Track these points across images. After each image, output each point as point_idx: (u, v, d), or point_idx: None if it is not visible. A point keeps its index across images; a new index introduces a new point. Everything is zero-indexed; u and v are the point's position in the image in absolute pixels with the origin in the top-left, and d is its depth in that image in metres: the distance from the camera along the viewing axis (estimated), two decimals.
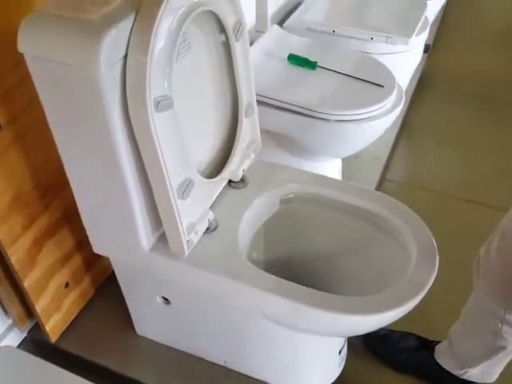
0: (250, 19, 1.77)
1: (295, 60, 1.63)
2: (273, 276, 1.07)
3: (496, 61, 2.84)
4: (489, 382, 1.33)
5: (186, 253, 1.06)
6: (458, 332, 1.31)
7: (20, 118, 1.16)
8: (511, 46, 2.99)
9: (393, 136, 2.24)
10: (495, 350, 1.22)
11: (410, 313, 1.06)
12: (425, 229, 1.16)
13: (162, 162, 0.93)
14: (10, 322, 1.42)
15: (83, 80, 0.85)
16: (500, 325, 1.15)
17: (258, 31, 1.85)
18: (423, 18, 1.94)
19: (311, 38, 1.80)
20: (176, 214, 1.00)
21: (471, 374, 1.32)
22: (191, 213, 1.07)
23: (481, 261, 1.16)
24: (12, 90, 1.12)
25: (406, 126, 2.35)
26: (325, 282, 1.26)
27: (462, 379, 1.34)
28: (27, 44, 0.87)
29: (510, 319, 1.13)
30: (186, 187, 1.01)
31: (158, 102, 0.89)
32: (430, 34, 2.11)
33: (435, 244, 1.13)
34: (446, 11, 3.14)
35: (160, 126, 0.90)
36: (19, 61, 0.90)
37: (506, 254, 1.07)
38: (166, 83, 0.91)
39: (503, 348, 1.20)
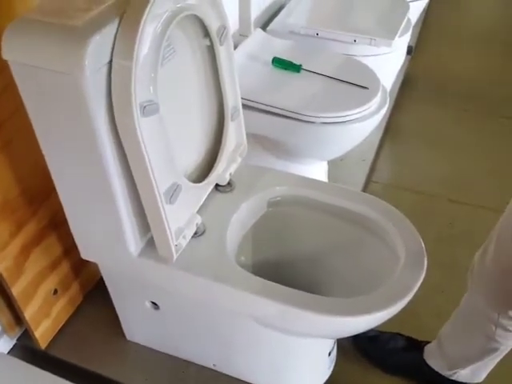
0: (233, 23, 1.77)
1: (279, 63, 1.63)
2: (261, 279, 1.08)
3: (478, 61, 2.87)
4: (477, 382, 1.34)
5: (175, 257, 1.06)
6: (449, 333, 1.32)
7: (6, 125, 1.16)
8: (493, 45, 3.02)
9: (378, 138, 2.25)
10: (487, 351, 1.23)
11: (398, 313, 1.07)
12: (412, 230, 1.17)
13: (148, 166, 0.93)
14: None
15: (68, 86, 0.85)
16: (494, 328, 1.15)
17: (242, 35, 1.85)
18: (406, 19, 1.96)
19: (295, 42, 1.80)
20: (164, 218, 1.00)
21: (460, 374, 1.33)
22: (179, 217, 1.07)
23: (476, 265, 1.16)
24: None
25: (391, 128, 2.37)
26: (313, 285, 1.27)
27: (451, 380, 1.35)
28: (11, 51, 0.87)
29: (504, 323, 1.13)
30: (173, 192, 1.02)
31: (144, 107, 0.89)
32: (412, 35, 2.12)
33: (423, 245, 1.14)
34: (427, 13, 3.17)
35: (146, 130, 0.90)
36: (3, 67, 0.90)
37: (502, 260, 1.07)
38: (151, 88, 0.91)
39: (495, 350, 1.21)
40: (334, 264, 1.32)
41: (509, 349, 1.22)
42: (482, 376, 1.33)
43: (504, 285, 1.09)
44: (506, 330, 1.14)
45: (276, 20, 1.99)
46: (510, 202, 1.05)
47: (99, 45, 0.83)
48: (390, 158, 2.26)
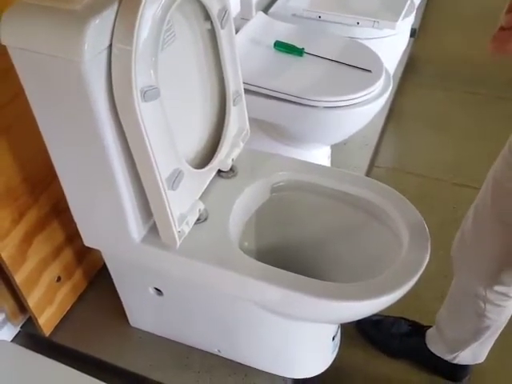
0: (234, 6, 1.75)
1: (282, 47, 1.62)
2: (265, 264, 1.07)
3: (483, 43, 2.82)
4: (478, 362, 1.35)
5: (178, 243, 1.06)
6: (444, 317, 1.33)
7: (5, 112, 1.15)
8: (497, 27, 2.98)
9: (381, 122, 2.24)
10: (481, 330, 1.23)
11: (402, 298, 1.06)
12: (416, 214, 1.16)
13: (150, 152, 0.92)
14: (2, 316, 1.41)
15: (68, 71, 0.84)
16: (483, 305, 1.16)
17: (243, 18, 1.83)
18: (409, 1, 1.93)
19: (297, 25, 1.78)
20: (166, 204, 1.00)
21: (461, 357, 1.33)
22: (182, 203, 1.06)
23: (457, 244, 1.18)
24: None
25: (394, 112, 2.35)
26: (317, 270, 1.27)
27: (454, 363, 1.36)
28: (10, 36, 0.85)
29: (491, 298, 1.14)
30: (175, 178, 1.01)
31: (145, 92, 0.88)
32: (415, 18, 2.10)
33: (427, 228, 1.13)
34: None
35: (147, 115, 0.89)
36: (2, 53, 0.89)
37: (480, 234, 1.09)
38: (151, 72, 0.90)
39: (488, 327, 1.22)
40: (337, 249, 1.31)
41: (503, 326, 1.23)
42: (483, 356, 1.34)
43: (485, 260, 1.10)
44: (495, 304, 1.15)
45: (278, 3, 1.98)
46: (488, 173, 1.05)
47: (98, 29, 0.82)
48: (394, 142, 2.25)
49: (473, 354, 1.33)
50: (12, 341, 1.45)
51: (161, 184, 0.97)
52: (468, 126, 2.30)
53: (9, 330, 1.45)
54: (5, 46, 0.87)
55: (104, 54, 0.85)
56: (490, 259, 1.09)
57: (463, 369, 1.37)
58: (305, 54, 1.60)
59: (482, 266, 1.12)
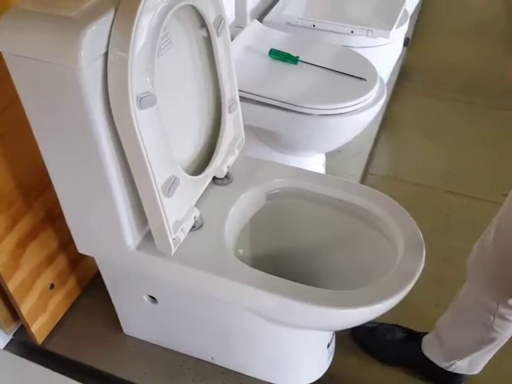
0: (229, 14, 1.75)
1: (277, 55, 1.62)
2: (260, 272, 1.07)
3: (475, 52, 2.87)
4: (474, 373, 1.34)
5: (173, 251, 1.06)
6: (447, 324, 1.32)
7: (1, 118, 1.15)
8: (490, 36, 3.01)
9: (375, 130, 2.24)
10: (484, 342, 1.22)
11: (397, 305, 1.06)
12: (410, 221, 1.17)
13: (146, 159, 0.92)
14: None
15: (64, 78, 0.84)
16: (492, 318, 1.15)
17: (238, 26, 1.84)
18: (403, 10, 1.95)
19: (292, 33, 1.79)
20: (162, 211, 1.00)
21: (458, 366, 1.33)
22: (177, 210, 1.06)
23: (475, 254, 1.16)
24: None
25: (388, 120, 2.36)
26: (312, 277, 1.27)
27: (449, 371, 1.35)
28: (5, 42, 0.85)
29: (502, 312, 1.13)
30: (171, 185, 1.01)
31: (141, 99, 0.88)
32: (408, 27, 2.12)
33: (421, 235, 1.13)
34: (424, 4, 3.16)
35: (143, 122, 0.89)
36: None
37: (502, 248, 1.07)
38: (148, 79, 0.90)
39: (492, 340, 1.21)
40: (332, 256, 1.31)
41: (505, 340, 1.22)
42: (479, 367, 1.33)
43: (503, 273, 1.09)
44: (505, 319, 1.14)
45: (272, 11, 1.98)
46: (511, 191, 1.04)
47: (95, 36, 0.82)
48: (387, 149, 2.26)
49: (469, 365, 1.32)
50: (4, 349, 1.44)
51: (156, 191, 0.97)
52: (461, 134, 2.32)
53: (1, 337, 1.44)
54: (0, 53, 0.87)
55: (100, 61, 0.85)
56: (509, 273, 1.08)
57: (458, 377, 1.37)
58: (299, 62, 1.60)
59: (500, 280, 1.11)
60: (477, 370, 1.33)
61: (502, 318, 1.14)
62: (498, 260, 1.09)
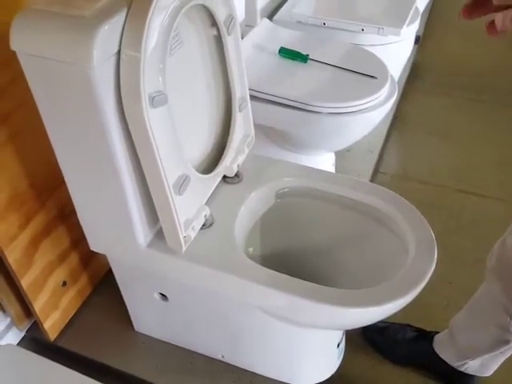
0: (239, 13, 1.75)
1: (286, 53, 1.62)
2: (270, 270, 1.07)
3: (487, 50, 2.85)
4: (485, 375, 1.34)
5: (184, 249, 1.06)
6: (462, 323, 1.31)
7: (13, 117, 1.16)
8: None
9: (385, 128, 2.24)
10: (499, 343, 1.22)
11: (407, 304, 1.06)
12: (422, 220, 1.16)
13: (158, 158, 0.93)
14: (8, 320, 1.42)
15: (77, 77, 0.85)
16: (509, 319, 1.14)
17: (248, 25, 1.84)
18: (414, 8, 1.94)
19: (302, 32, 1.79)
20: (173, 209, 1.00)
21: (470, 366, 1.32)
22: (188, 209, 1.07)
23: (495, 254, 1.14)
24: (4, 89, 1.12)
25: (398, 118, 2.36)
26: (322, 276, 1.27)
27: (460, 371, 1.35)
28: (20, 42, 0.86)
29: None
30: (182, 183, 1.01)
31: (153, 98, 0.88)
32: (419, 24, 2.11)
33: (433, 235, 1.13)
34: (434, 1, 3.14)
35: (155, 121, 0.90)
36: (11, 59, 0.89)
37: None
38: (160, 78, 0.90)
39: (507, 342, 1.20)
40: (342, 255, 1.31)
41: None
42: (491, 370, 1.32)
43: None
44: None
45: (282, 10, 1.98)
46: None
47: (107, 35, 0.83)
48: (398, 148, 2.25)
49: (482, 366, 1.31)
50: (17, 345, 1.45)
51: (168, 189, 0.97)
52: (472, 132, 2.31)
53: (14, 334, 1.45)
54: (13, 53, 0.88)
55: (112, 60, 0.86)
56: None
57: (469, 378, 1.36)
58: (309, 61, 1.60)
59: None
60: (488, 373, 1.33)
61: None
62: None
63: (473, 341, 1.28)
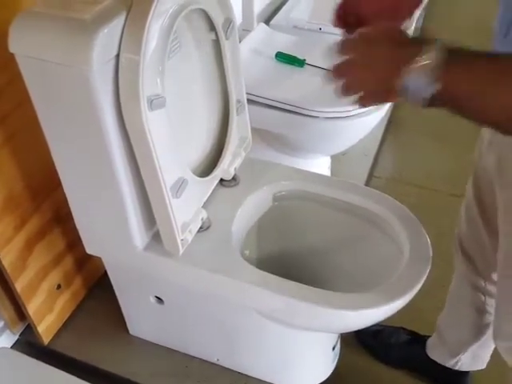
0: (236, 18, 1.76)
1: (283, 58, 1.63)
2: (266, 273, 1.08)
3: None
4: (480, 368, 1.35)
5: (181, 251, 1.06)
6: (445, 319, 1.33)
7: (10, 119, 1.16)
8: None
9: (380, 132, 2.25)
10: (481, 328, 1.23)
11: (401, 308, 1.07)
12: (417, 223, 1.17)
13: (155, 160, 0.93)
14: (1, 324, 1.41)
15: (75, 79, 0.85)
16: (483, 298, 1.17)
17: (245, 30, 1.84)
18: None
19: (298, 36, 1.79)
20: (170, 212, 1.00)
21: (463, 362, 1.33)
22: (185, 211, 1.07)
23: (456, 236, 1.19)
24: (1, 90, 1.11)
25: (393, 122, 2.36)
26: (318, 279, 1.27)
27: (455, 370, 1.36)
28: (18, 44, 0.86)
29: (491, 289, 1.15)
30: (179, 186, 1.01)
31: (152, 101, 0.88)
32: (414, 30, 2.12)
33: (428, 239, 1.14)
34: (429, 8, 3.16)
35: (153, 124, 0.90)
36: (8, 61, 0.89)
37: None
38: (158, 81, 0.90)
39: (488, 326, 1.21)
40: (338, 258, 1.32)
41: None
42: (484, 362, 1.33)
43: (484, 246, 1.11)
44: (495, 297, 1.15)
45: (279, 15, 1.99)
46: None
47: (107, 38, 0.83)
48: (393, 152, 2.26)
49: (473, 358, 1.32)
50: (11, 348, 1.44)
51: (165, 192, 0.98)
52: (466, 137, 2.30)
53: (7, 337, 1.44)
54: (11, 54, 0.88)
55: (112, 63, 0.86)
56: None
57: (464, 376, 1.37)
58: (306, 65, 1.61)
59: (481, 256, 1.12)
60: (482, 365, 1.34)
61: (492, 296, 1.15)
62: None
63: (459, 333, 1.30)
